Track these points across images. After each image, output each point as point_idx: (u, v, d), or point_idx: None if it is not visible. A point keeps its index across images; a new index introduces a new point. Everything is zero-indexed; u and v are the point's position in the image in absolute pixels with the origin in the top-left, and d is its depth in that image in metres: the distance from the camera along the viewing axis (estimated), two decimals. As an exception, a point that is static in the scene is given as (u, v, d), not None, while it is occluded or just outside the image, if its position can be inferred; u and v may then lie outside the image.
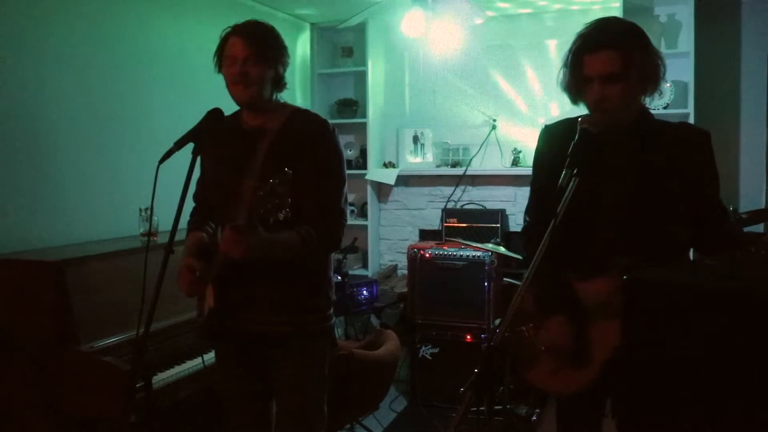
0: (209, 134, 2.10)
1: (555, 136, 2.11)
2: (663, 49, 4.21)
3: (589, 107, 2.00)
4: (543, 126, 2.21)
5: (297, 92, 4.98)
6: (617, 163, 2.00)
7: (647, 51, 1.94)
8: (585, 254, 2.03)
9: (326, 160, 2.18)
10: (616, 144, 1.99)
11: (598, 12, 4.50)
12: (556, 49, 4.70)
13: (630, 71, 1.89)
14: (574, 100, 2.06)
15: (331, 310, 2.31)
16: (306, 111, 2.29)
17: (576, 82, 1.99)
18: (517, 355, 2.15)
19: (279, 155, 2.12)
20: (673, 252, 1.99)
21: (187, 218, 2.40)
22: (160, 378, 2.61)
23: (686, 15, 4.24)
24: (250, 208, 1.88)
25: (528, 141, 4.82)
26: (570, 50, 1.99)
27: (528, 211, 2.24)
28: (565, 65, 2.01)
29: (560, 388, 2.10)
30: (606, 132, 1.92)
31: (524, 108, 4.85)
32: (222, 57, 2.15)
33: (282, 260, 2.11)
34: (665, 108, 4.22)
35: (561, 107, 4.73)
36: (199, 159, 2.24)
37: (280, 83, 2.20)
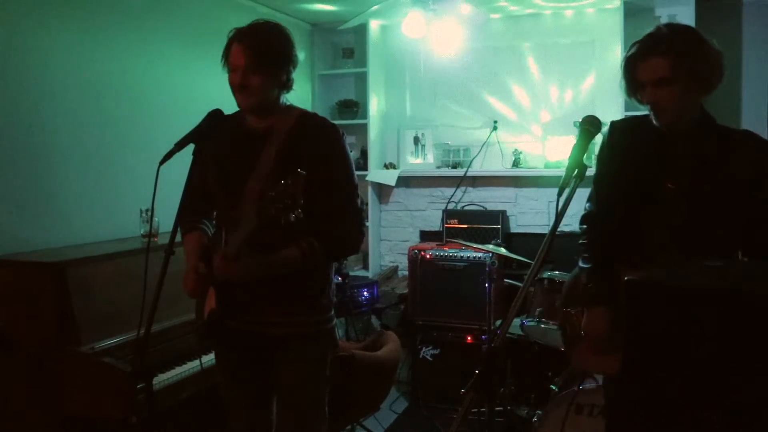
0: (211, 134, 2.10)
1: (619, 132, 2.26)
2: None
3: (648, 108, 2.12)
4: (610, 122, 2.31)
5: (297, 93, 4.96)
6: (674, 163, 2.11)
7: (698, 55, 2.02)
8: (638, 249, 2.15)
9: (339, 164, 2.18)
10: (674, 144, 2.10)
11: (597, 13, 4.51)
12: (557, 50, 4.70)
13: (679, 75, 1.99)
14: (639, 101, 2.16)
15: (332, 312, 2.31)
16: (314, 114, 2.28)
17: (633, 86, 2.11)
18: (564, 333, 2.41)
19: (289, 158, 2.10)
20: (722, 253, 2.07)
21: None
22: (161, 379, 2.61)
23: (687, 16, 4.23)
24: (260, 209, 1.87)
25: (528, 142, 4.83)
26: (625, 57, 2.11)
27: (589, 198, 2.38)
28: (623, 71, 2.12)
29: (596, 369, 2.54)
30: (666, 132, 2.08)
31: (525, 109, 4.85)
32: (227, 62, 2.13)
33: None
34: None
35: (561, 109, 4.74)
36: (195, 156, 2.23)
37: (286, 84, 2.18)
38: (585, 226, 2.33)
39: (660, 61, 1.99)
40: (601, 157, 2.30)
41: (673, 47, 2.00)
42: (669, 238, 2.09)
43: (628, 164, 2.17)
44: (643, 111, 2.16)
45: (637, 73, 2.05)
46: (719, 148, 2.07)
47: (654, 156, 2.11)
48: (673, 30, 2.07)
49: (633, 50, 2.07)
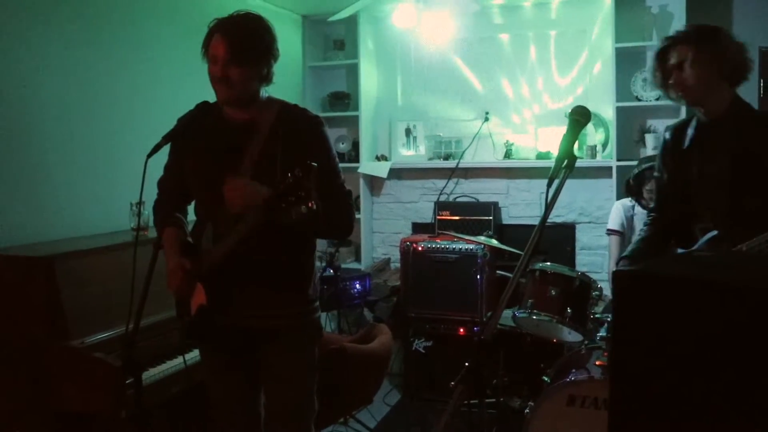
0: (191, 127, 2.08)
1: (671, 132, 2.56)
2: (654, 41, 4.20)
3: (676, 97, 2.43)
4: (665, 126, 2.65)
5: (288, 85, 4.96)
6: (714, 148, 2.36)
7: (718, 43, 2.33)
8: (689, 230, 2.41)
9: (326, 153, 2.17)
10: (713, 130, 2.37)
11: (589, 4, 4.49)
12: (549, 41, 4.69)
13: (701, 58, 2.31)
14: (669, 95, 2.46)
15: (317, 302, 2.30)
16: (295, 106, 2.25)
17: (664, 76, 2.39)
18: None
19: (274, 151, 2.07)
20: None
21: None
22: (151, 374, 2.59)
23: (678, 6, 4.23)
24: (268, 202, 1.86)
25: (520, 134, 4.82)
26: (658, 49, 2.43)
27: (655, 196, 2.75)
28: (656, 62, 2.42)
29: None
30: (706, 123, 2.38)
31: (517, 101, 4.84)
32: (207, 52, 2.09)
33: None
34: (657, 100, 4.20)
35: (553, 100, 4.73)
36: (170, 147, 2.21)
37: (267, 77, 2.14)
38: (648, 219, 2.66)
39: (684, 47, 2.33)
40: (660, 158, 2.62)
41: (695, 36, 2.34)
42: (717, 219, 2.30)
43: (677, 158, 2.49)
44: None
45: (667, 59, 2.36)
46: (755, 131, 2.32)
47: (696, 146, 2.41)
48: (699, 26, 2.42)
49: (665, 42, 2.39)
